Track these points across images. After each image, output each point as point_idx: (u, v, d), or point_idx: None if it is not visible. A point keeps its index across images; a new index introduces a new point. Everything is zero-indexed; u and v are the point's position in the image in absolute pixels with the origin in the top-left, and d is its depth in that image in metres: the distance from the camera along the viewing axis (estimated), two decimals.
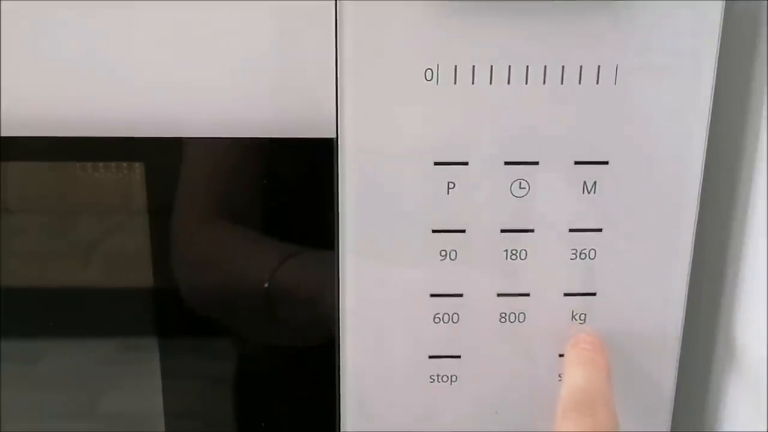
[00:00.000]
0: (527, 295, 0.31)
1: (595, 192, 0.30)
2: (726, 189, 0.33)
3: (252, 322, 0.33)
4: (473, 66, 0.28)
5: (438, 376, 0.31)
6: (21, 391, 0.34)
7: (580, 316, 0.31)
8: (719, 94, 0.29)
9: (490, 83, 0.28)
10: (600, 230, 0.30)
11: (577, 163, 0.29)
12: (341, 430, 0.33)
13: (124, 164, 0.31)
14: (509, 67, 0.28)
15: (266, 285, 0.32)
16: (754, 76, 0.30)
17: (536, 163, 0.29)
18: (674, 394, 0.32)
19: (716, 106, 0.29)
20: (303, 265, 0.31)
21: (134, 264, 0.32)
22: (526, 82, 0.28)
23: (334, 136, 0.29)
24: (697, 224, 0.30)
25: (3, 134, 0.29)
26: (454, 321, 0.31)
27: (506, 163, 0.29)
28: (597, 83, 0.28)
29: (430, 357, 0.31)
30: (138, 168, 0.31)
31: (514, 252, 0.30)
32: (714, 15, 0.28)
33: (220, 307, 0.32)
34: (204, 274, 0.32)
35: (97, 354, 0.34)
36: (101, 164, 0.31)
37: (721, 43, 0.28)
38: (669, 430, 0.33)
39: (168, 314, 0.33)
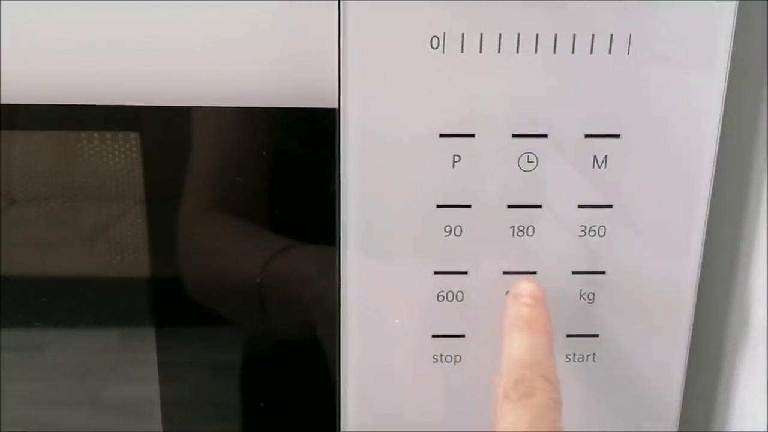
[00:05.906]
0: (534, 273, 0.30)
1: (605, 167, 0.29)
2: (741, 167, 0.32)
3: (246, 313, 0.32)
4: (481, 34, 0.27)
5: (441, 355, 0.31)
6: (25, 379, 0.33)
7: (588, 296, 0.30)
8: (735, 69, 0.28)
9: (499, 52, 0.27)
10: (610, 206, 0.29)
11: (587, 136, 0.28)
12: (342, 414, 0.32)
13: (120, 137, 0.30)
14: (518, 35, 0.27)
15: (258, 280, 0.31)
16: None
17: (545, 136, 0.28)
18: (684, 382, 0.32)
19: (732, 81, 0.28)
20: (299, 258, 0.31)
21: (132, 248, 0.31)
22: (536, 51, 0.27)
23: (336, 106, 0.28)
24: (711, 201, 0.29)
25: (3, 101, 0.28)
26: (459, 299, 0.30)
27: (514, 136, 0.28)
28: (609, 53, 0.27)
29: (434, 336, 0.31)
30: (135, 139, 0.30)
31: (521, 228, 0.29)
32: None
33: (217, 298, 0.32)
34: (201, 259, 0.32)
35: (99, 343, 0.33)
36: (96, 135, 0.30)
37: (739, 21, 0.27)
38: (678, 412, 0.32)
39: (165, 302, 0.32)
